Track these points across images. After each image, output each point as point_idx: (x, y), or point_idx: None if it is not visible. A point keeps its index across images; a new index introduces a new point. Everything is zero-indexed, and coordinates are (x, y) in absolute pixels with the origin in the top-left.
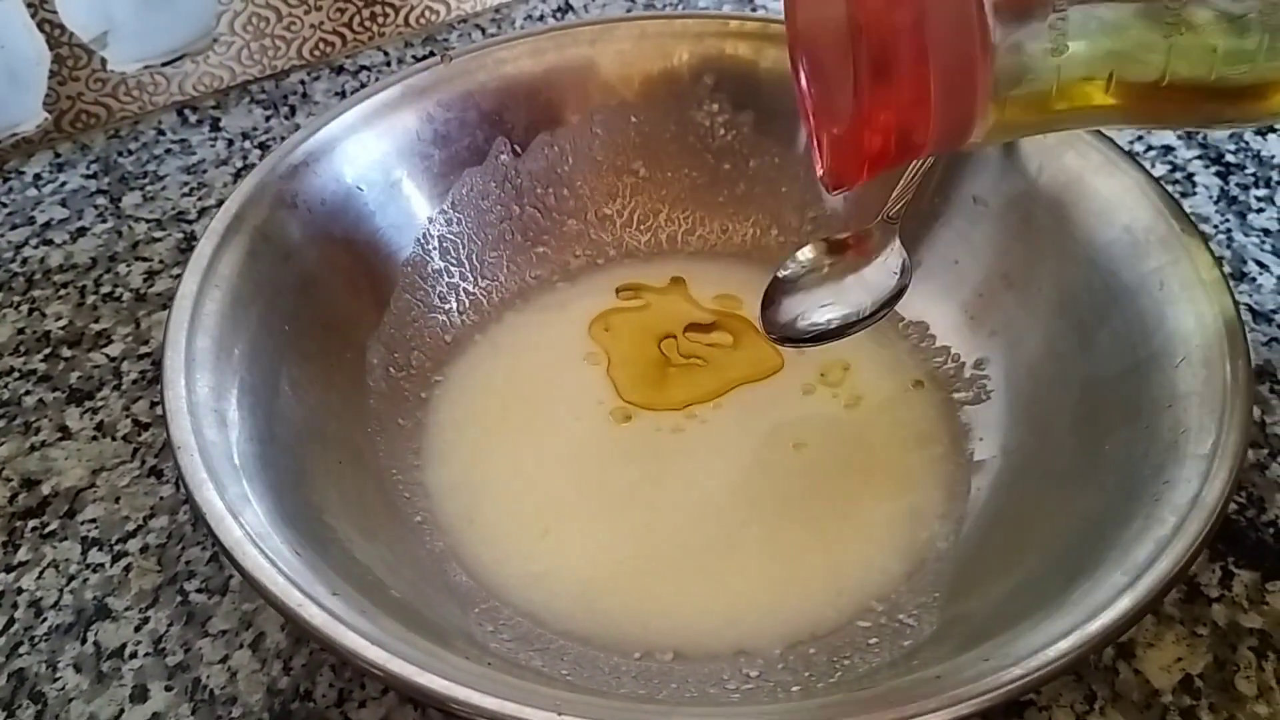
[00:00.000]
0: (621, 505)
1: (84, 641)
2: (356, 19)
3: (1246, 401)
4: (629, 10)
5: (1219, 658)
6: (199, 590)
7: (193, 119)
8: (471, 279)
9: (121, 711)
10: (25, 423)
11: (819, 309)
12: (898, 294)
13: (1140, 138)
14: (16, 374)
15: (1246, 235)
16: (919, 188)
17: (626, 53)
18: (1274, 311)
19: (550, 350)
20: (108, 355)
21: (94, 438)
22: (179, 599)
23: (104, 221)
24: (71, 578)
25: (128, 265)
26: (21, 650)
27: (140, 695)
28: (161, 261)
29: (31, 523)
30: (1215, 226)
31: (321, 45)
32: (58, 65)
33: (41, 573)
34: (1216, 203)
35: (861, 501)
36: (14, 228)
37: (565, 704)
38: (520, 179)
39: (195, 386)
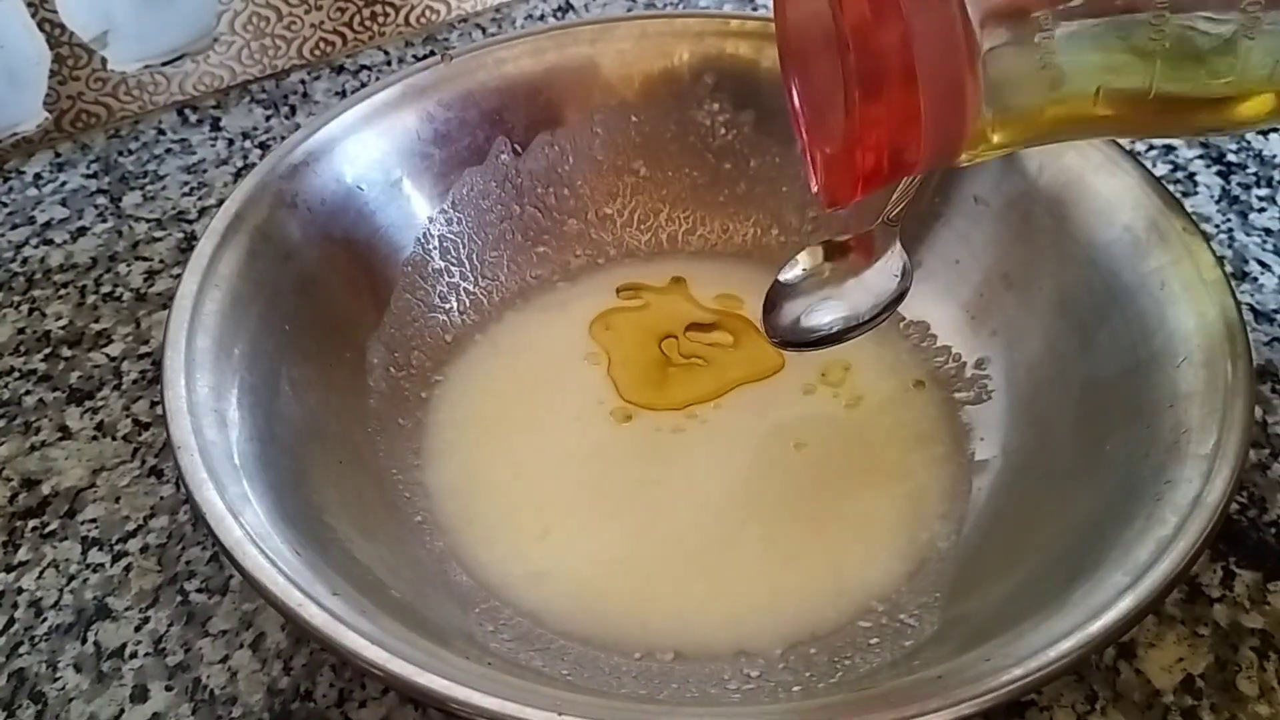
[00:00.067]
0: (622, 505)
1: (84, 641)
2: (357, 18)
3: (1248, 401)
4: (629, 9)
5: (1220, 658)
6: (199, 590)
7: (193, 119)
8: (472, 279)
9: (122, 711)
10: (25, 422)
11: (820, 313)
12: (899, 297)
13: None
14: (17, 374)
15: (1248, 235)
16: (919, 191)
17: (627, 52)
18: (1275, 311)
19: (551, 350)
20: (108, 355)
21: (94, 437)
22: (179, 599)
23: (104, 221)
24: (72, 578)
25: (128, 265)
26: (22, 650)
27: (140, 695)
28: (162, 261)
29: (32, 522)
30: (1217, 226)
31: (322, 45)
32: (58, 65)
33: (42, 573)
34: (1218, 202)
35: (862, 501)
36: (14, 227)
37: (565, 704)
38: (521, 178)
39: (195, 386)
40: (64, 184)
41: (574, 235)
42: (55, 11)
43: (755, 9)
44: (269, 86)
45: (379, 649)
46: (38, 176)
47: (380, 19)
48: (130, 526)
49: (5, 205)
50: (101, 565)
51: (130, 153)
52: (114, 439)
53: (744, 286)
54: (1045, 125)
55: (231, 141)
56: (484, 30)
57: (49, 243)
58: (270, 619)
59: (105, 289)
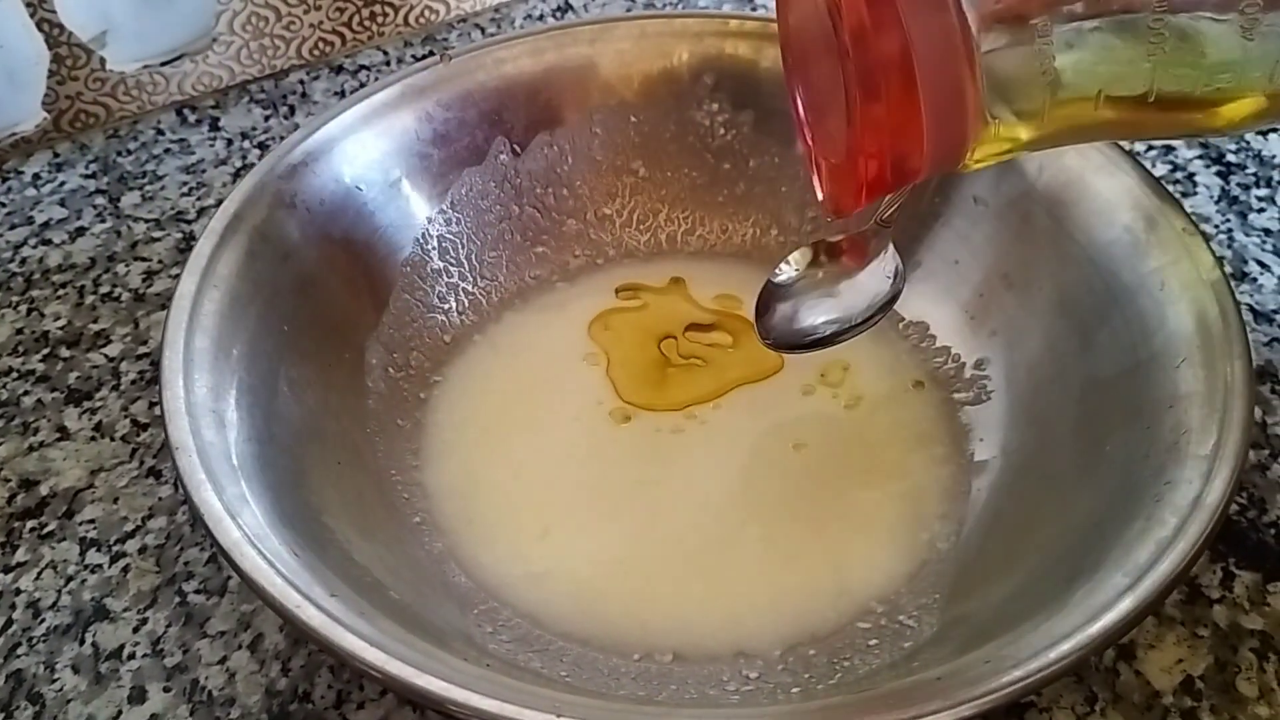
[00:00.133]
0: (621, 506)
1: (82, 642)
2: (356, 18)
3: (1248, 402)
4: (628, 9)
5: (1220, 659)
6: (197, 591)
7: (192, 119)
8: (470, 279)
9: (120, 713)
10: (24, 423)
11: (813, 315)
12: (891, 299)
13: None
14: (15, 374)
15: (1247, 235)
16: (914, 193)
17: (626, 52)
18: (1275, 311)
19: (549, 350)
20: (106, 355)
21: (92, 438)
22: (177, 600)
23: (103, 221)
24: (70, 578)
25: (126, 265)
26: (19, 651)
27: (138, 696)
28: (160, 261)
29: (30, 523)
30: (1216, 226)
31: (321, 45)
32: (56, 65)
33: (40, 573)
34: (1217, 202)
35: (862, 502)
36: (13, 227)
37: (564, 705)
38: (519, 179)
39: (194, 387)
40: (62, 184)
41: (573, 235)
42: (54, 11)
43: (755, 9)
44: (268, 86)
45: (377, 650)
46: (36, 176)
47: (379, 19)
48: (128, 527)
49: (4, 205)
50: (100, 566)
51: (129, 153)
52: (112, 439)
53: (743, 287)
54: (1047, 130)
55: (230, 141)
56: (483, 30)
57: (47, 243)
58: (268, 620)
59: (104, 289)
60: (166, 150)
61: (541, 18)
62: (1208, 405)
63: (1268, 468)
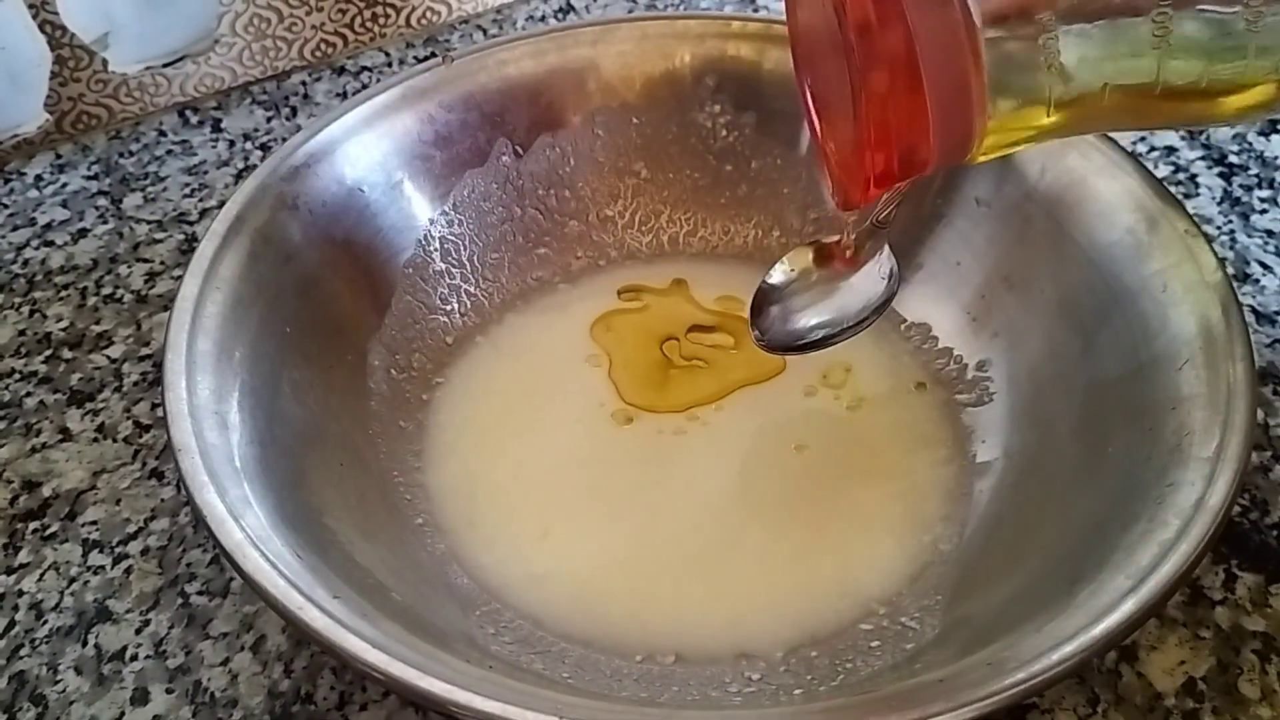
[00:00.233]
0: (623, 507)
1: (85, 644)
2: (358, 20)
3: (1250, 404)
4: (630, 11)
5: (1222, 661)
6: (200, 593)
7: (194, 120)
8: (473, 280)
9: (122, 714)
10: (26, 424)
11: (808, 316)
12: (886, 301)
13: (1143, 139)
14: (17, 375)
15: (1250, 236)
16: (916, 193)
17: (628, 54)
18: (1277, 313)
19: (552, 352)
20: (109, 357)
21: (95, 440)
22: (180, 601)
23: (105, 223)
24: (72, 580)
25: (129, 267)
26: (22, 653)
27: (141, 698)
28: (163, 263)
29: (32, 525)
30: (1218, 228)
31: (323, 46)
32: (59, 66)
33: (42, 575)
34: (1219, 204)
35: (863, 503)
36: (15, 229)
37: (566, 707)
38: (522, 180)
39: (196, 389)
40: (65, 185)
41: (575, 237)
42: (56, 13)
43: (756, 10)
44: (270, 88)
45: (380, 652)
46: (38, 178)
47: (381, 20)
48: (131, 529)
49: (6, 207)
50: (102, 568)
51: (131, 154)
52: (115, 441)
53: (745, 288)
54: (1054, 121)
55: (232, 143)
56: (485, 32)
57: (50, 244)
58: (271, 621)
59: (106, 291)
60: (169, 152)
61: (543, 19)
62: (1210, 407)
63: (1270, 469)
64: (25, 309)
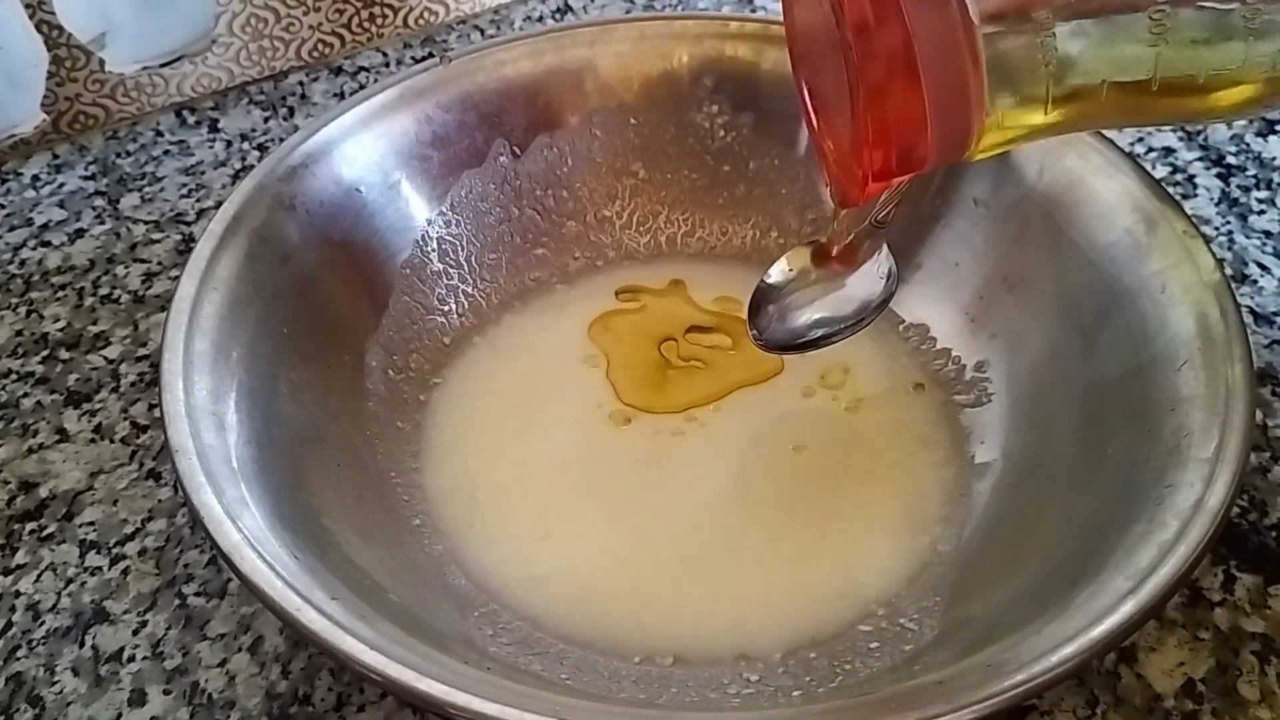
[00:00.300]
0: (621, 508)
1: (82, 645)
2: (355, 20)
3: (1249, 405)
4: (628, 11)
5: (1221, 662)
6: (197, 594)
7: (191, 120)
8: (470, 281)
9: (119, 715)
10: (23, 425)
11: (806, 316)
12: (884, 301)
13: (1141, 139)
14: (14, 376)
15: (1248, 237)
16: (914, 193)
17: (626, 54)
18: (1275, 314)
19: (549, 353)
20: (106, 357)
21: (92, 440)
22: (177, 602)
23: (102, 223)
24: (69, 581)
25: (126, 267)
26: (19, 654)
27: (138, 699)
28: (160, 263)
29: (29, 525)
30: (1216, 229)
31: (320, 46)
32: (56, 66)
33: (39, 576)
34: (1217, 205)
35: (862, 504)
36: (12, 229)
37: (565, 709)
38: (519, 181)
39: (193, 389)
40: (62, 186)
41: (573, 237)
42: (53, 13)
43: (754, 11)
44: (267, 88)
45: (377, 653)
46: (35, 178)
47: (378, 21)
48: (128, 530)
49: (3, 207)
50: (99, 568)
51: (128, 154)
52: (112, 442)
53: (743, 289)
54: (1052, 118)
55: (230, 143)
56: (482, 32)
57: (47, 244)
58: (269, 622)
59: (103, 291)
60: (166, 152)
61: (541, 19)
62: (1209, 408)
63: (1269, 470)
64: (22, 309)
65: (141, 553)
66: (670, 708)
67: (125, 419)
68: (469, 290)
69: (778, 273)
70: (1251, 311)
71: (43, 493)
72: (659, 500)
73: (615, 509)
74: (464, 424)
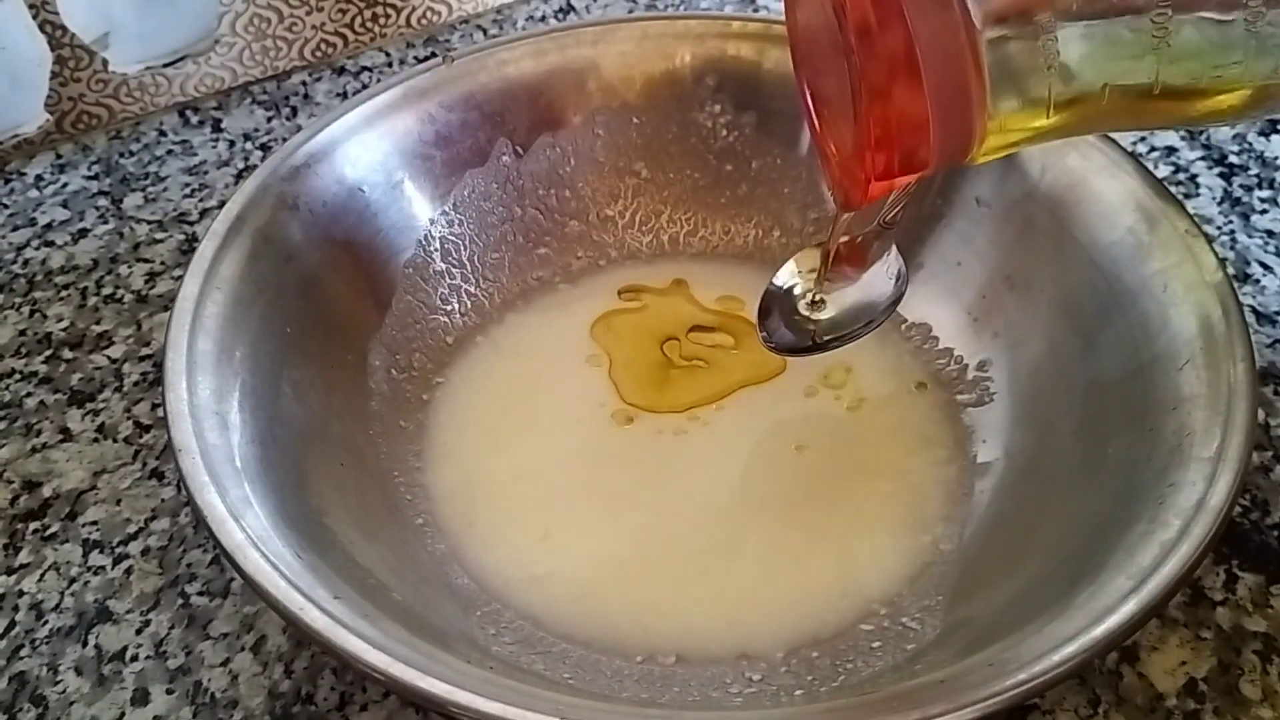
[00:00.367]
0: (623, 508)
1: (85, 644)
2: (358, 20)
3: (1251, 404)
4: (631, 11)
5: (1223, 661)
6: (200, 593)
7: (194, 120)
8: (473, 280)
9: (122, 715)
10: (26, 425)
11: (816, 317)
12: (895, 301)
13: (1143, 139)
14: (18, 376)
15: (1250, 236)
16: (917, 193)
17: (628, 54)
18: (1278, 313)
19: (552, 352)
20: (109, 357)
21: (95, 440)
22: (180, 602)
23: (105, 223)
24: (73, 580)
25: (129, 267)
26: (23, 653)
27: (141, 698)
28: (163, 263)
29: (33, 525)
30: (1219, 228)
31: (323, 46)
32: (59, 66)
33: (43, 575)
34: (1220, 204)
35: (864, 504)
36: (15, 229)
37: (567, 708)
38: (522, 180)
39: (197, 389)
40: (65, 185)
41: (575, 237)
42: (56, 13)
43: (756, 10)
44: (270, 88)
45: (380, 653)
46: (39, 178)
47: (381, 20)
48: (131, 529)
49: (6, 207)
50: (102, 568)
51: (131, 154)
52: (115, 441)
53: (745, 288)
54: (1054, 122)
55: (233, 143)
56: (485, 32)
57: (50, 244)
58: (271, 622)
59: (106, 291)
60: (169, 152)
61: (544, 19)
62: (1211, 407)
63: (1271, 470)
64: (26, 309)
65: (145, 552)
66: (672, 707)
67: (128, 418)
68: (472, 289)
69: (787, 274)
70: (1254, 311)
71: (46, 492)
72: (661, 499)
73: (618, 508)
74: (466, 423)
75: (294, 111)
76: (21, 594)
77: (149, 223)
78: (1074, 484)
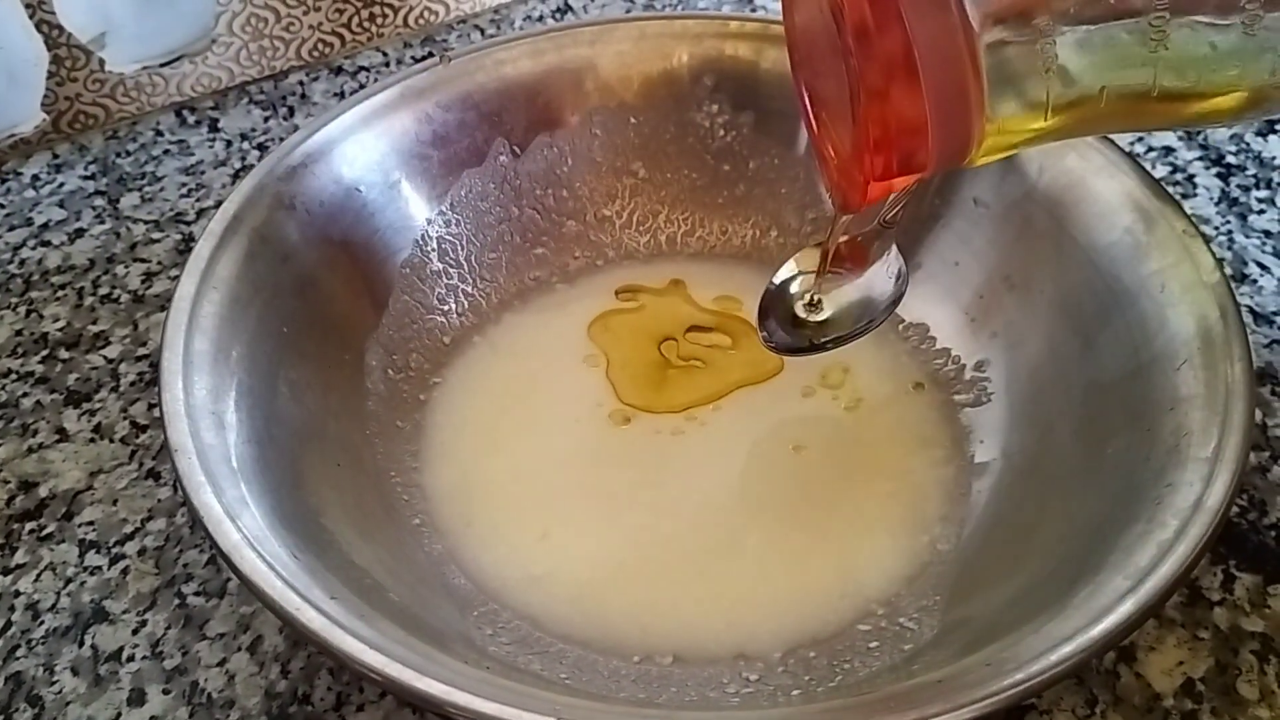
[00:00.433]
0: (621, 508)
1: (81, 644)
2: (355, 20)
3: (1248, 404)
4: (628, 11)
5: (1221, 661)
6: (197, 593)
7: (191, 120)
8: (470, 280)
9: (119, 715)
10: (23, 425)
11: (816, 317)
12: (895, 301)
13: (1141, 139)
14: (14, 376)
15: (1247, 237)
16: (916, 193)
17: (626, 54)
18: (1275, 313)
19: (549, 352)
20: (105, 357)
21: (91, 440)
22: (177, 602)
23: (102, 223)
24: (69, 580)
25: (126, 267)
26: (19, 653)
27: (138, 699)
28: (160, 263)
29: (29, 525)
30: (1216, 228)
31: (320, 46)
32: (56, 66)
33: (39, 575)
34: (1217, 204)
35: (862, 504)
36: (12, 229)
37: (564, 708)
38: (519, 180)
39: (193, 389)
40: (61, 185)
41: (573, 237)
42: (53, 12)
43: (754, 10)
44: (267, 88)
45: (377, 653)
46: (35, 178)
47: (379, 20)
48: (128, 529)
49: (3, 207)
50: (99, 568)
51: (128, 154)
52: (111, 441)
53: (743, 288)
54: (1052, 124)
55: (230, 143)
56: (482, 32)
57: (46, 244)
58: (268, 622)
59: (103, 291)
60: (166, 151)
61: (541, 19)
62: (1208, 408)
63: (1268, 470)
64: (22, 309)
65: (141, 552)
66: (670, 707)
67: (125, 418)
68: (469, 289)
69: (786, 274)
70: (1251, 311)
71: (42, 492)
72: (659, 499)
73: (615, 508)
74: (463, 423)
75: (291, 111)
76: (18, 594)
77: (146, 222)
78: (1072, 484)
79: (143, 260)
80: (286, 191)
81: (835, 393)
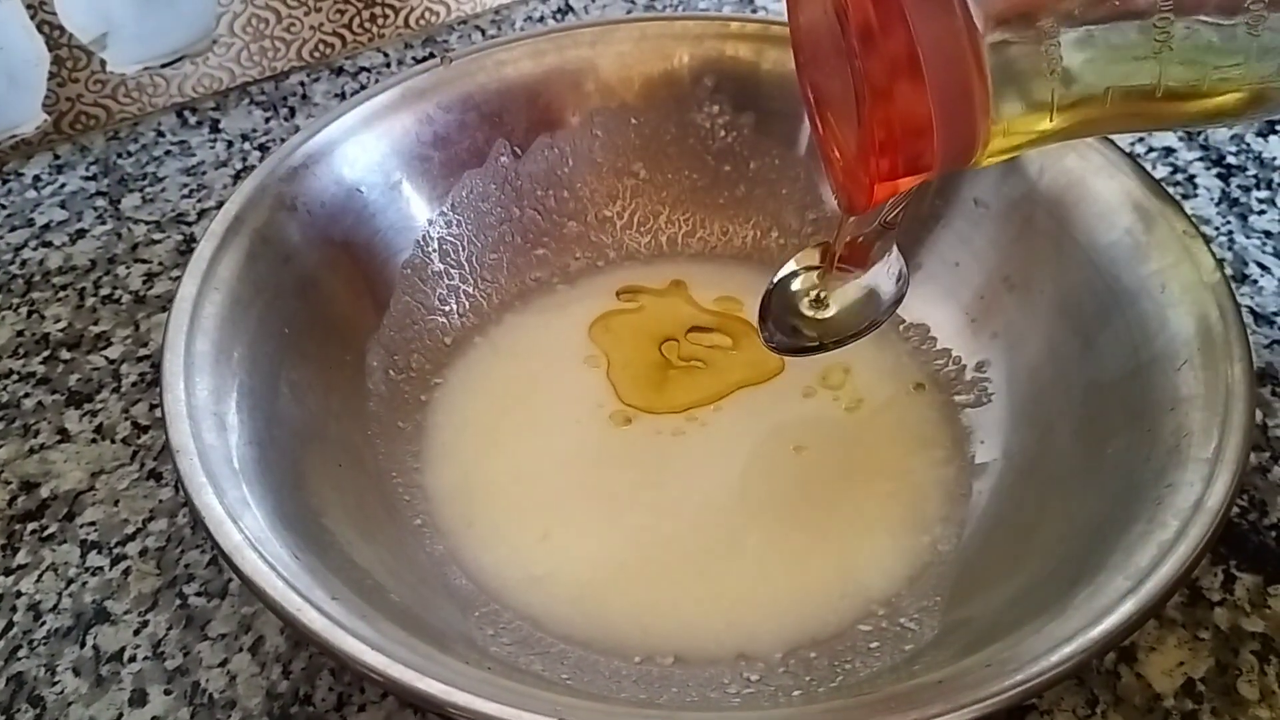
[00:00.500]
0: (621, 508)
1: (83, 645)
2: (356, 20)
3: (1248, 404)
4: (629, 12)
5: (1221, 661)
6: (198, 594)
7: (192, 120)
8: (471, 281)
9: (120, 715)
10: (24, 425)
11: (817, 317)
12: (896, 301)
13: (1141, 139)
14: (15, 376)
15: (1248, 237)
16: (918, 193)
17: (627, 54)
18: (1275, 314)
19: (550, 353)
20: (107, 358)
21: (93, 440)
22: (178, 602)
23: (103, 223)
24: (70, 581)
25: (127, 267)
26: (20, 654)
27: (139, 699)
28: (161, 264)
29: (30, 526)
30: (1216, 228)
31: (321, 47)
32: (57, 67)
33: (40, 576)
34: (1218, 205)
35: (862, 504)
36: (13, 230)
37: (565, 708)
38: (520, 181)
39: (194, 389)
40: (63, 186)
41: (573, 238)
42: (54, 13)
43: (755, 11)
44: (268, 88)
45: (378, 653)
46: (37, 179)
47: (380, 21)
48: (129, 530)
49: (4, 207)
50: (100, 569)
51: (129, 155)
52: (113, 442)
53: (744, 289)
54: (1057, 125)
55: (231, 143)
56: (483, 32)
57: (48, 245)
58: (269, 622)
59: (104, 291)
60: (167, 152)
61: (542, 20)
62: (1209, 408)
63: (1268, 470)
64: (23, 310)
65: (142, 553)
66: (671, 707)
67: (126, 419)
68: (470, 290)
69: (787, 274)
70: (1251, 311)
71: (44, 493)
72: (659, 500)
73: (616, 509)
74: (465, 424)
75: (292, 112)
76: (19, 595)
77: (147, 223)
78: (1072, 484)
79: (144, 261)
80: (288, 192)
81: (836, 393)
